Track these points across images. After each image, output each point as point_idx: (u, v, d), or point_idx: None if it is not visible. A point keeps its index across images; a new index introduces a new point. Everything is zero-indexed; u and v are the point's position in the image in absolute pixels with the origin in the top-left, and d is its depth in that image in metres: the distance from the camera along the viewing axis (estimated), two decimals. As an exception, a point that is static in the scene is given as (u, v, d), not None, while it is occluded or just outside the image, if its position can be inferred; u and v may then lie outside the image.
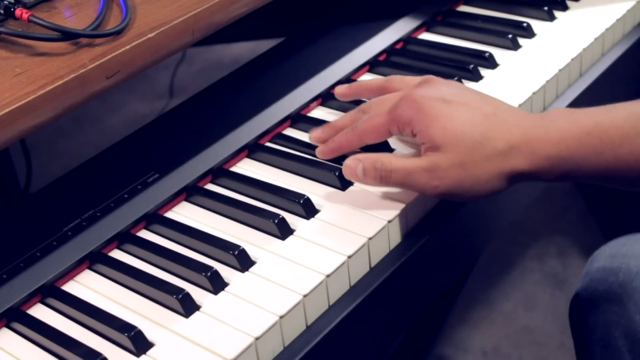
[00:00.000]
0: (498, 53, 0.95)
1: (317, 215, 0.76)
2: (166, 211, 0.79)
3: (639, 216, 1.50)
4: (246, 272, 0.71)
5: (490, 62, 0.94)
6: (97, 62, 0.73)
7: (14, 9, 0.75)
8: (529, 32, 0.98)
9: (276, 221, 0.74)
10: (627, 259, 0.84)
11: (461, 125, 0.71)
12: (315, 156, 0.82)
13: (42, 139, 1.41)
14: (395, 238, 0.75)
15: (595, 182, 0.74)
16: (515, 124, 0.72)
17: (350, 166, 0.75)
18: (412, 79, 0.82)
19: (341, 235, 0.73)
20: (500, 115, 0.72)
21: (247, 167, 0.83)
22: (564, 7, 1.03)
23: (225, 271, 0.71)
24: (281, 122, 0.88)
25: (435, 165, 0.71)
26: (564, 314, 0.91)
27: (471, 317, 1.50)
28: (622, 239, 0.88)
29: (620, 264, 0.83)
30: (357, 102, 0.90)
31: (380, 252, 0.74)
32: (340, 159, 0.81)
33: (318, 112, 0.90)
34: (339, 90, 0.88)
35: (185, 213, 0.79)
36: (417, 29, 1.02)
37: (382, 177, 0.73)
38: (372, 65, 0.96)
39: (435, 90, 0.74)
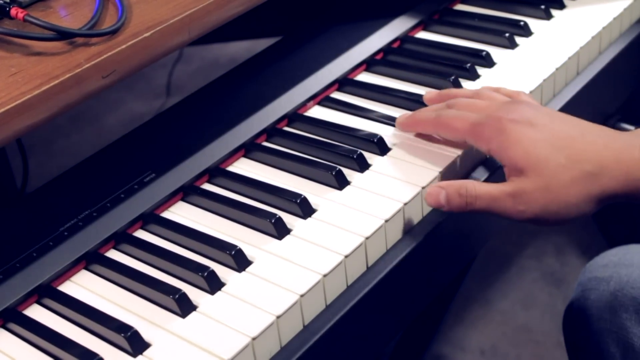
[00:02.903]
0: (495, 52, 0.95)
1: (314, 215, 0.76)
2: (163, 211, 0.79)
3: (635, 215, 1.50)
4: (243, 272, 0.71)
5: (488, 61, 0.94)
6: (93, 62, 0.73)
7: (9, 9, 0.75)
8: (526, 31, 0.98)
9: (273, 221, 0.73)
10: (618, 268, 0.84)
11: (545, 148, 0.70)
12: (312, 156, 0.82)
13: (38, 138, 1.41)
14: (392, 237, 0.75)
15: None
16: (605, 145, 0.70)
17: (432, 194, 0.74)
18: (501, 95, 0.80)
19: (338, 234, 0.73)
20: (588, 136, 0.71)
21: (244, 167, 0.83)
22: (561, 6, 1.03)
23: (222, 271, 0.71)
24: (278, 121, 0.87)
25: (520, 189, 0.70)
26: (561, 313, 0.91)
27: (469, 316, 1.50)
28: (614, 250, 0.89)
29: (612, 273, 0.84)
30: (359, 109, 0.90)
31: (377, 252, 0.74)
32: (338, 160, 0.81)
33: (315, 111, 0.90)
34: (428, 95, 0.86)
35: (182, 213, 0.78)
36: (414, 28, 1.02)
37: (467, 204, 0.72)
38: (369, 64, 0.96)
39: (521, 113, 0.73)
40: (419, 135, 0.83)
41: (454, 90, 0.85)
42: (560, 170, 0.69)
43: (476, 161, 0.83)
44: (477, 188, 0.72)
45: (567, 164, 0.70)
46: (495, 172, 0.82)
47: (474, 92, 0.82)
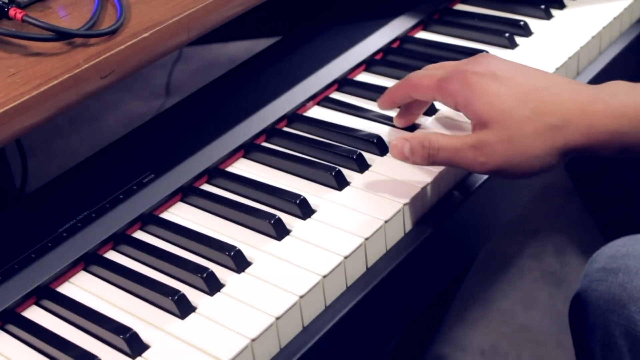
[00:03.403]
0: (495, 52, 0.95)
1: (313, 216, 0.75)
2: (162, 212, 0.78)
3: (636, 214, 1.49)
4: (242, 273, 0.70)
5: (487, 61, 0.93)
6: (92, 62, 0.73)
7: (8, 9, 0.75)
8: (526, 31, 0.98)
9: (272, 222, 0.73)
10: (626, 259, 0.84)
11: (508, 100, 0.70)
12: (311, 156, 0.82)
13: (38, 139, 1.41)
14: (392, 238, 0.75)
15: None
16: (570, 97, 0.70)
17: (397, 146, 0.74)
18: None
19: (338, 235, 0.73)
20: (554, 89, 0.71)
21: (243, 167, 0.83)
22: (561, 6, 1.02)
23: (221, 272, 0.70)
24: (277, 122, 0.87)
25: (482, 141, 0.70)
26: (561, 313, 0.91)
27: (469, 316, 1.50)
28: (621, 240, 0.88)
29: (620, 264, 0.83)
30: (358, 109, 0.90)
31: (377, 253, 0.74)
32: (337, 161, 0.81)
33: (314, 112, 0.90)
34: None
35: (181, 214, 0.78)
36: (414, 28, 1.02)
37: (430, 155, 0.72)
38: (369, 64, 0.96)
39: (486, 66, 0.73)
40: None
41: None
42: (524, 122, 0.69)
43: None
44: (440, 140, 0.72)
45: (531, 116, 0.70)
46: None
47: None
